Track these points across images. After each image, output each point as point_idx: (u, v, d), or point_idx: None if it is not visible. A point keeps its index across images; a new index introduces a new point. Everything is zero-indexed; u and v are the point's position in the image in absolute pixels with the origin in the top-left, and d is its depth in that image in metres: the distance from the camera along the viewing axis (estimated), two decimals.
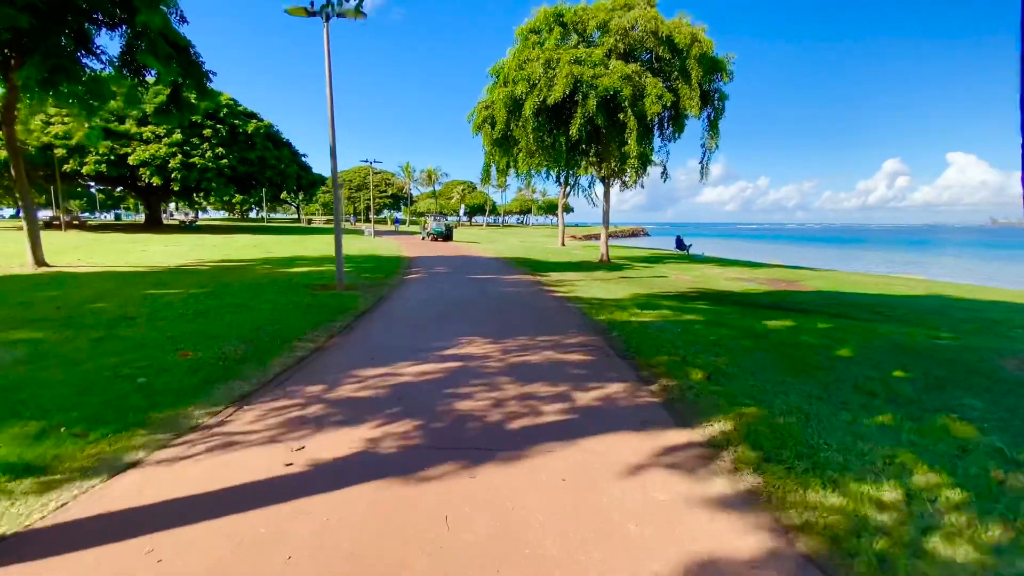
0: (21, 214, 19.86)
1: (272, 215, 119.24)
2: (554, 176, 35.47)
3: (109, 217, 73.17)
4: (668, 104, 16.37)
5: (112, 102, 14.09)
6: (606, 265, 19.87)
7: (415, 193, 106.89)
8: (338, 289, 10.98)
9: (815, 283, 16.08)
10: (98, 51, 12.75)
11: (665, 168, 19.60)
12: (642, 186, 23.79)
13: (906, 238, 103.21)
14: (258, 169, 41.64)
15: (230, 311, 8.13)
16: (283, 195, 66.60)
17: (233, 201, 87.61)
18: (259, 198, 73.62)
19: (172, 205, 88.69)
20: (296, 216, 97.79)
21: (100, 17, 12.26)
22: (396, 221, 67.64)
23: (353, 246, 27.53)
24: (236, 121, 40.16)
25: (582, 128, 16.68)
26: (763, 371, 5.08)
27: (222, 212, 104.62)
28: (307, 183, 48.80)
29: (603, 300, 10.20)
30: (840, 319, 9.05)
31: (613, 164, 19.02)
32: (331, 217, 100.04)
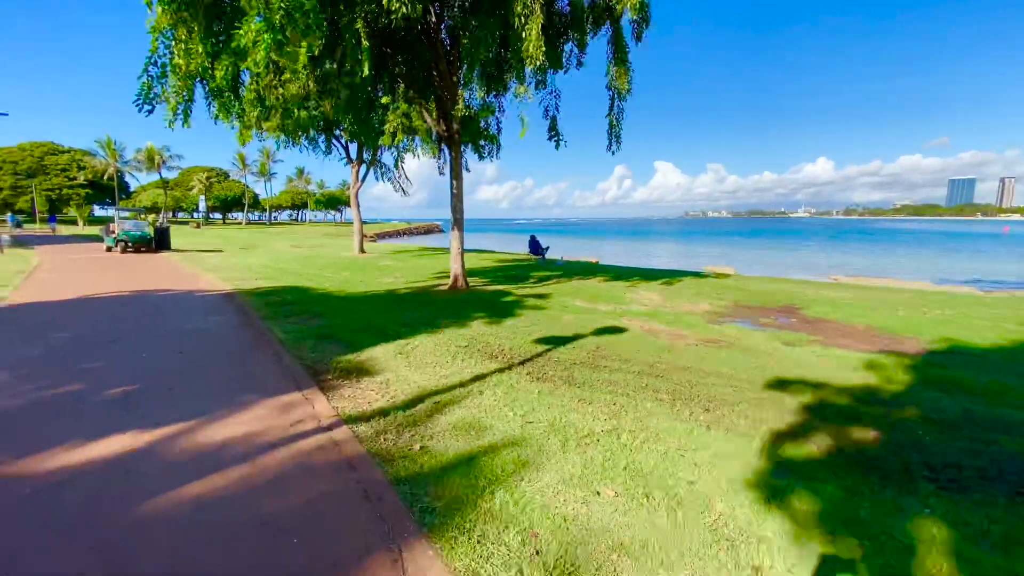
0: None
1: None
2: (343, 143, 24.26)
3: None
4: None
5: None
6: (467, 294, 10.68)
7: (133, 184, 77.15)
8: None
9: (822, 310, 9.97)
10: None
11: (555, 122, 11.03)
12: (498, 156, 15.17)
13: (649, 229, 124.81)
14: None
15: None
16: None
17: None
18: None
19: None
20: None
21: None
22: (11, 220, 36.77)
23: None
24: None
25: None
26: None
27: None
28: None
29: None
30: None
31: (482, 90, 9.76)
32: None
